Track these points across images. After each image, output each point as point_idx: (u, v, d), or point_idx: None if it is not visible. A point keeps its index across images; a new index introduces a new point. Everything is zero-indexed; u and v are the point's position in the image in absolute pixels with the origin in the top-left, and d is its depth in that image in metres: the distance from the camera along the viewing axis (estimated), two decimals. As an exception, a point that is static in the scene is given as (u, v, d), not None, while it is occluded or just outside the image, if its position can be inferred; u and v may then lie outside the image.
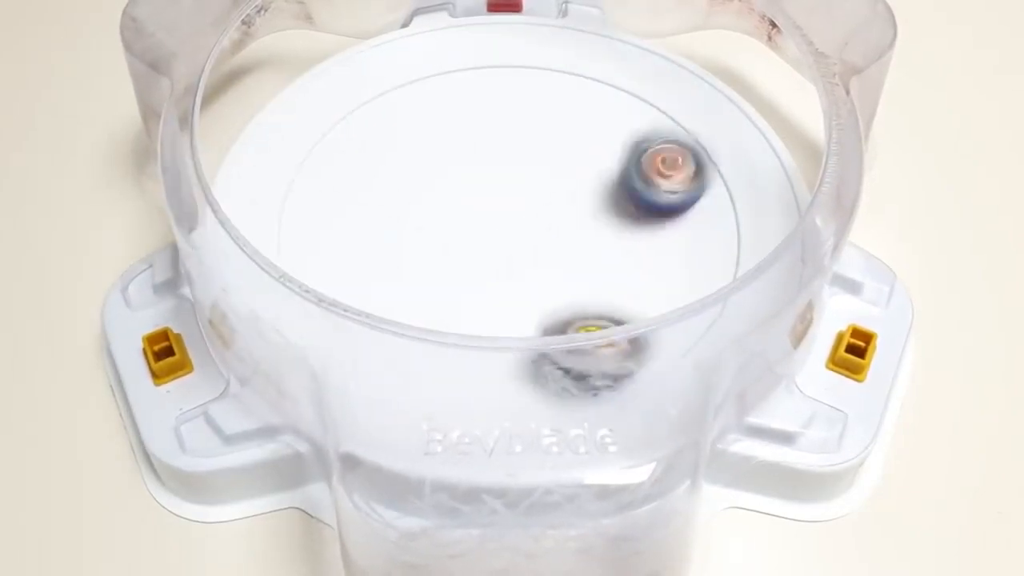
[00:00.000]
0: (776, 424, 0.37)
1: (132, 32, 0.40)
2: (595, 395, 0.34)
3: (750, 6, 0.44)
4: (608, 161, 0.42)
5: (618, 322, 0.37)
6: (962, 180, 0.46)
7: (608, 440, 0.33)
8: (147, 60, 0.40)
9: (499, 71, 0.45)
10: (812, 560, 0.37)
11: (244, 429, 0.36)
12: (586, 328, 0.37)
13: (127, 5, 0.41)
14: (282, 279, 0.34)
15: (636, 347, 0.35)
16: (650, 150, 0.41)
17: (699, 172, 0.41)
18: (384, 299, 0.35)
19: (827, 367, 0.38)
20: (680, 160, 0.41)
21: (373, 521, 0.32)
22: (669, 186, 0.41)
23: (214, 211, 0.36)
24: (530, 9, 0.47)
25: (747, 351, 0.35)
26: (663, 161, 0.41)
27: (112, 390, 0.40)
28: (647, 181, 0.41)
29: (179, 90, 0.39)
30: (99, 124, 0.47)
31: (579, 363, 0.34)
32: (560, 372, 0.34)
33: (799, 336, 0.37)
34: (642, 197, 0.41)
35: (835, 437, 0.37)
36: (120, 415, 0.39)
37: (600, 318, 0.38)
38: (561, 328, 0.37)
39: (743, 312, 0.35)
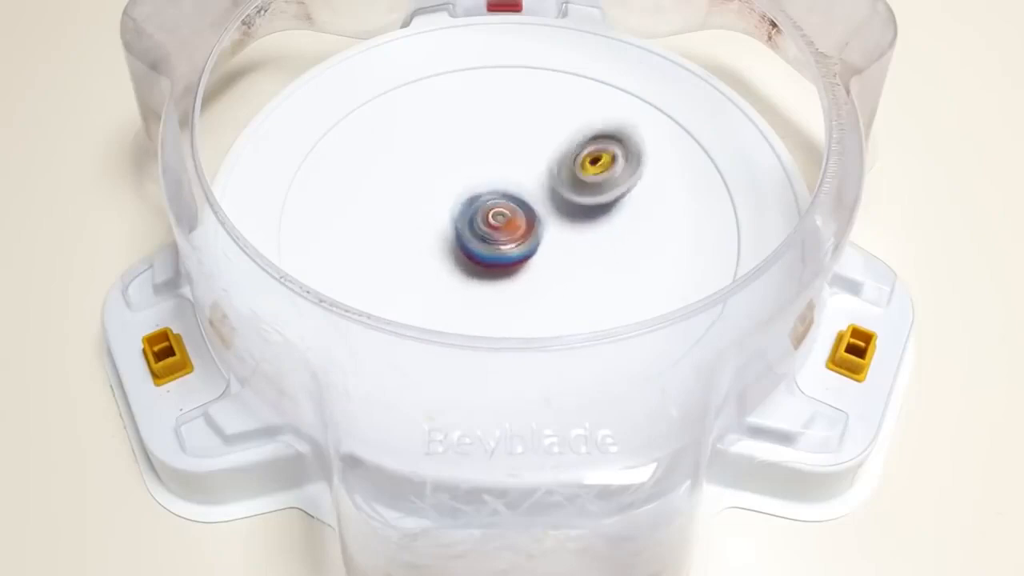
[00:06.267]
0: (776, 424, 0.37)
1: (132, 32, 0.40)
2: None
3: (750, 6, 0.44)
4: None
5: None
6: (962, 180, 0.46)
7: (609, 440, 0.33)
8: (147, 60, 0.40)
9: (499, 71, 0.45)
10: (812, 560, 0.37)
11: (244, 429, 0.36)
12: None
13: (127, 6, 0.41)
14: (282, 279, 0.34)
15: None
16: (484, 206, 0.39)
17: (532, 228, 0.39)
18: (384, 299, 0.35)
19: (827, 367, 0.38)
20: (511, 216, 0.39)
21: (374, 521, 0.32)
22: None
23: (214, 211, 0.36)
24: (530, 9, 0.47)
25: (747, 351, 0.35)
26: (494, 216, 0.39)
27: (112, 390, 0.40)
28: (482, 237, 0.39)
29: (179, 90, 0.39)
30: (99, 124, 0.47)
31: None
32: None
33: (799, 336, 0.37)
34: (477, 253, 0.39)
35: (835, 437, 0.37)
36: (120, 415, 0.39)
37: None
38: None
39: (743, 312, 0.35)
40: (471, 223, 0.39)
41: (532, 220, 0.39)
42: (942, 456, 0.39)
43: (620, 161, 0.40)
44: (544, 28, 0.46)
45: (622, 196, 0.40)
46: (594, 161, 0.40)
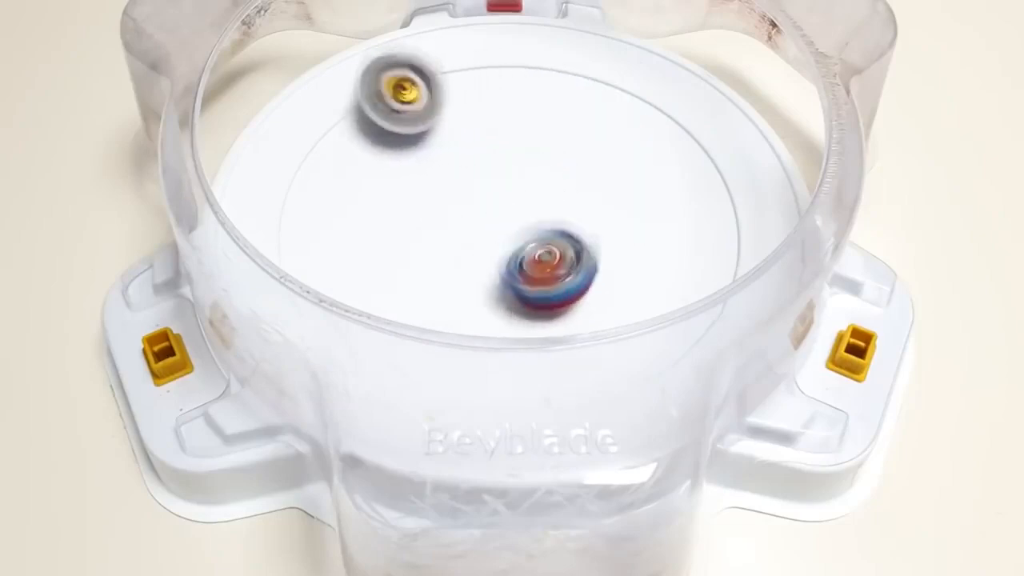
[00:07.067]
0: (776, 424, 0.37)
1: (132, 33, 0.40)
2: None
3: (750, 6, 0.44)
4: (608, 160, 0.42)
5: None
6: (962, 180, 0.46)
7: (609, 440, 0.33)
8: (147, 60, 0.40)
9: (499, 71, 0.45)
10: (812, 560, 0.37)
11: (244, 429, 0.36)
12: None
13: (127, 6, 0.41)
14: (282, 279, 0.34)
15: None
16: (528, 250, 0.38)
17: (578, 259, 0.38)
18: (384, 299, 0.35)
19: (827, 367, 0.38)
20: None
21: (374, 521, 0.32)
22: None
23: (214, 211, 0.36)
24: (530, 9, 0.47)
25: (747, 351, 0.35)
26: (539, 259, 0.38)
27: (112, 390, 0.40)
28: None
29: (179, 90, 0.39)
30: (99, 124, 0.47)
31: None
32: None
33: (799, 336, 0.37)
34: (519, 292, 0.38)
35: (835, 437, 0.37)
36: (120, 415, 0.39)
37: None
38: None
39: (743, 312, 0.35)
40: (520, 268, 0.37)
41: (580, 250, 0.37)
42: (942, 456, 0.39)
43: (425, 93, 0.42)
44: (544, 28, 0.46)
45: (427, 130, 0.42)
46: (401, 88, 0.42)
